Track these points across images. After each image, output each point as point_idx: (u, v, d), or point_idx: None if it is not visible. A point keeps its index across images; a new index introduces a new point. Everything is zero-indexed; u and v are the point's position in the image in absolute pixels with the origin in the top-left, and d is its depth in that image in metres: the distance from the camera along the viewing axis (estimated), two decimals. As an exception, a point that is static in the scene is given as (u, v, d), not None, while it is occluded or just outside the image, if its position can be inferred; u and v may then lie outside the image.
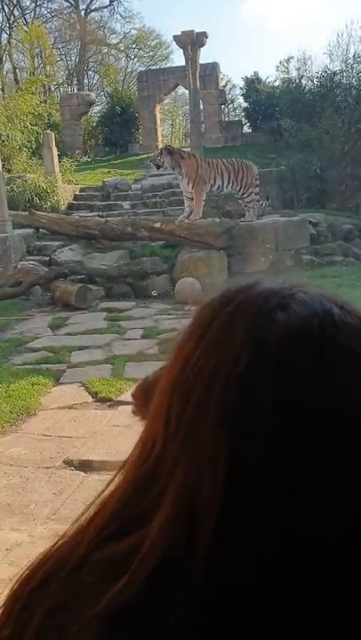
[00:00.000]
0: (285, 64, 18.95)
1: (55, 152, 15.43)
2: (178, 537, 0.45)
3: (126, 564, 0.45)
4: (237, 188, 11.69)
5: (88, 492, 3.70)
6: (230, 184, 11.63)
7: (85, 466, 4.11)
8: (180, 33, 15.03)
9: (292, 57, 18.98)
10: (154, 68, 27.55)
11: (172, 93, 24.85)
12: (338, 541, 0.42)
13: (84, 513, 0.52)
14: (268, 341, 0.46)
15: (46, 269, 10.45)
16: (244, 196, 11.74)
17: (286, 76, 18.82)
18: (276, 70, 19.37)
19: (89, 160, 20.07)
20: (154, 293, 9.61)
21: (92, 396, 5.46)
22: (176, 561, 0.44)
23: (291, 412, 0.44)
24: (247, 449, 0.43)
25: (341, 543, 0.43)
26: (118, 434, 4.51)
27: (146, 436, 0.51)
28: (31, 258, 11.29)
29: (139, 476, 0.50)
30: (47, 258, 11.32)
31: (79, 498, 3.67)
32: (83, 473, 4.03)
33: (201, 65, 16.29)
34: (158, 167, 11.80)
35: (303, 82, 18.02)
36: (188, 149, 13.86)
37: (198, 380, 0.47)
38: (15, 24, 29.42)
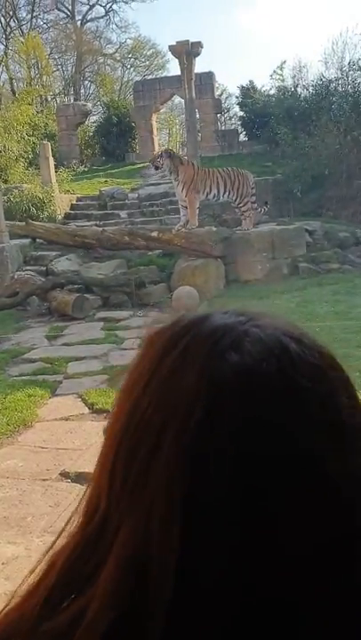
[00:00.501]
0: (280, 70, 19.06)
1: (52, 162, 15.47)
2: (124, 600, 0.42)
3: (72, 633, 0.43)
4: (234, 197, 11.73)
5: (84, 504, 3.69)
6: (227, 193, 11.68)
7: (82, 478, 4.08)
8: (175, 43, 15.10)
9: (285, 62, 19.10)
10: (150, 77, 27.73)
11: (169, 102, 24.95)
12: (299, 596, 0.41)
13: (35, 569, 0.48)
14: (222, 388, 0.43)
15: (43, 279, 10.45)
16: (241, 205, 11.78)
17: (282, 84, 18.91)
18: (271, 78, 19.48)
19: (86, 170, 20.12)
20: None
21: (89, 408, 5.45)
22: (124, 623, 0.41)
23: (251, 461, 0.41)
24: (204, 505, 0.41)
25: (304, 597, 0.41)
26: (115, 445, 4.49)
27: (92, 492, 0.48)
28: (28, 268, 11.30)
29: (85, 535, 0.47)
30: (44, 268, 11.33)
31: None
32: (79, 485, 4.00)
33: (196, 74, 16.37)
34: (157, 168, 11.85)
35: (299, 90, 18.11)
36: (186, 158, 13.91)
37: (147, 434, 0.44)
38: (11, 35, 29.57)
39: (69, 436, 4.84)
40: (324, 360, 0.46)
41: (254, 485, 0.41)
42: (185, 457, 0.42)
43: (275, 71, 19.22)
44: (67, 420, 5.24)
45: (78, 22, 31.59)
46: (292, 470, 0.41)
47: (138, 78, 27.97)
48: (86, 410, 5.43)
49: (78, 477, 4.10)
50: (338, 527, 0.42)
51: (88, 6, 31.87)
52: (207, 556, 0.41)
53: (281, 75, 19.03)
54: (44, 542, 3.35)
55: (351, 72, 16.93)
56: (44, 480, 4.11)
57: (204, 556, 0.41)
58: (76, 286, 10.25)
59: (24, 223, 12.18)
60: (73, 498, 3.83)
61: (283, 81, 18.95)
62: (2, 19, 29.70)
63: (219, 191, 11.60)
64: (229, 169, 12.01)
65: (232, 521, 0.41)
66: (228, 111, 26.18)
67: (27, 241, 12.11)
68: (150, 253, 11.41)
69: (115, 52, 32.60)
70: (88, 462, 4.31)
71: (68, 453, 4.49)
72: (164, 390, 0.44)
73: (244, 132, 21.58)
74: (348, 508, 0.42)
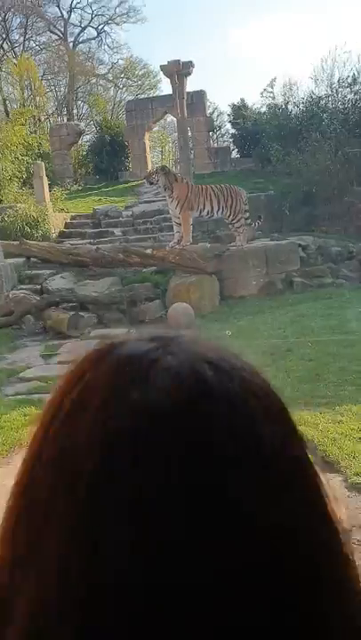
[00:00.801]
0: (270, 88, 19.26)
1: (45, 181, 15.55)
2: None
3: None
4: (227, 214, 11.82)
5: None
6: (220, 210, 11.76)
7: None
8: (166, 63, 15.26)
9: (275, 79, 19.27)
10: (142, 97, 27.96)
11: (161, 121, 25.16)
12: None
13: None
14: (118, 434, 0.36)
15: (38, 298, 10.46)
16: (234, 221, 11.86)
17: (272, 101, 19.11)
18: (261, 96, 19.68)
19: (79, 188, 20.23)
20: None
21: (85, 426, 5.42)
22: None
23: (154, 518, 0.35)
24: (103, 567, 0.35)
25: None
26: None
27: None
28: (23, 287, 11.31)
29: None
30: (39, 286, 11.34)
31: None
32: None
33: (188, 93, 16.53)
34: (151, 184, 11.99)
35: (289, 107, 18.31)
36: (180, 175, 14.01)
37: (44, 488, 0.38)
38: (4, 57, 29.88)
39: (65, 455, 4.81)
40: (246, 386, 0.40)
41: (160, 542, 0.35)
42: (78, 517, 0.36)
43: (265, 89, 19.46)
44: (63, 438, 5.21)
45: (70, 44, 31.94)
46: (207, 523, 0.35)
47: (130, 98, 28.25)
48: (82, 428, 5.40)
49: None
50: (262, 583, 0.36)
51: (80, 28, 32.32)
52: (111, 618, 0.35)
53: (272, 92, 19.27)
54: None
55: (341, 89, 17.17)
56: (40, 500, 4.07)
57: (108, 618, 0.35)
58: (70, 304, 10.27)
59: (18, 242, 12.21)
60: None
61: (273, 98, 19.18)
62: (-5, 41, 30.05)
63: (212, 208, 11.69)
64: (223, 186, 12.11)
65: (135, 583, 0.35)
66: (220, 129, 26.40)
67: (21, 260, 12.12)
68: (144, 270, 11.44)
69: (107, 73, 32.96)
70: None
71: (65, 472, 4.45)
72: (61, 439, 0.39)
73: (237, 150, 21.76)
74: (274, 557, 0.36)
